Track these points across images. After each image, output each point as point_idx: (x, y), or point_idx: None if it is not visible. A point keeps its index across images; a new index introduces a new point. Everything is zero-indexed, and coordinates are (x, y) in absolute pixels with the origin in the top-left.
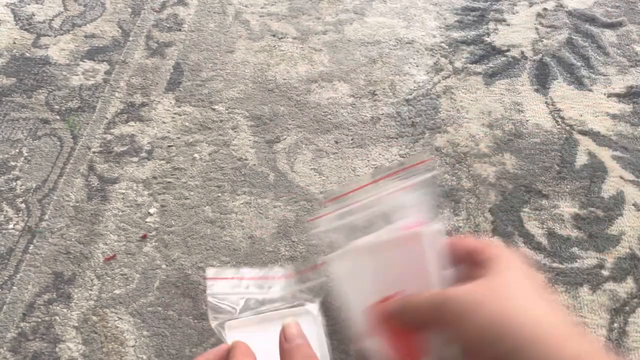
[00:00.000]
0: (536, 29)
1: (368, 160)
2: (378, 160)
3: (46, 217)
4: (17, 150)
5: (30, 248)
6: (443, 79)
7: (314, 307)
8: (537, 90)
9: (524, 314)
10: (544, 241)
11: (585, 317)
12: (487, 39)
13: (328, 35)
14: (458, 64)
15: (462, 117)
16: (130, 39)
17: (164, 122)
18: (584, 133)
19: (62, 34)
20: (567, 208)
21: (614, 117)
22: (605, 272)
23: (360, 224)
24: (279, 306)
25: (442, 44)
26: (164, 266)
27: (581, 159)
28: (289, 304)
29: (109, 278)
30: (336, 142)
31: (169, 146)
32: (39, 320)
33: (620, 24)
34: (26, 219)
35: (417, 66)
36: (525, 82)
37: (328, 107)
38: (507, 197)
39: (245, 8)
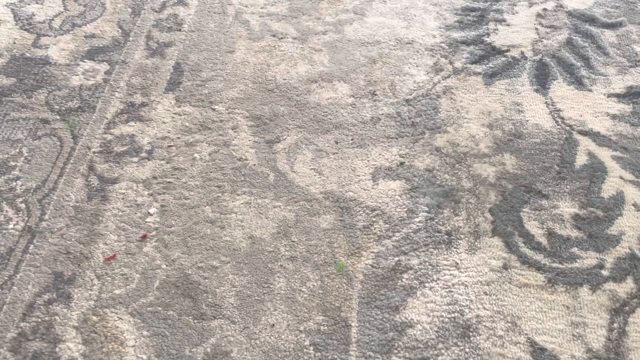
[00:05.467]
0: (536, 29)
1: (368, 160)
2: (378, 160)
3: (46, 217)
4: (17, 150)
5: (30, 248)
6: (443, 79)
7: None
8: (537, 91)
9: None
10: (544, 241)
11: (585, 317)
12: (487, 39)
13: (328, 36)
14: (458, 64)
15: (462, 117)
16: (130, 39)
17: (164, 122)
18: (584, 133)
19: (62, 34)
20: (567, 208)
21: (614, 117)
22: (605, 272)
23: None
24: None
25: (442, 44)
26: (164, 266)
27: (581, 159)
28: None
29: (109, 278)
30: (336, 142)
31: (169, 146)
32: (39, 320)
33: (620, 24)
34: (26, 219)
35: (417, 66)
36: (525, 82)
37: (328, 107)
38: (507, 197)
39: (245, 8)
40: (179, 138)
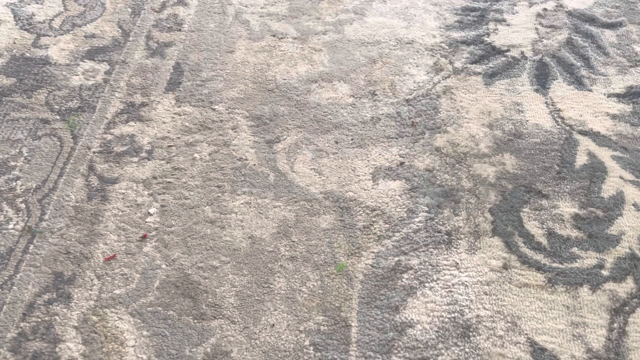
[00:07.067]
0: (536, 29)
1: (368, 160)
2: (378, 160)
3: (46, 217)
4: (17, 150)
5: (30, 248)
6: (443, 79)
7: None
8: (537, 90)
9: None
10: (544, 241)
11: (585, 317)
12: (487, 39)
13: (328, 35)
14: (458, 64)
15: (462, 117)
16: (130, 39)
17: (164, 122)
18: (584, 133)
19: (62, 34)
20: (567, 208)
21: (614, 117)
22: (605, 272)
23: None
24: None
25: (442, 44)
26: (164, 266)
27: (581, 159)
28: None
29: (109, 278)
30: (336, 142)
31: (169, 146)
32: (39, 320)
33: (620, 24)
34: (26, 219)
35: (417, 66)
36: (525, 82)
37: (328, 107)
38: (507, 197)
39: (245, 8)
40: (179, 138)
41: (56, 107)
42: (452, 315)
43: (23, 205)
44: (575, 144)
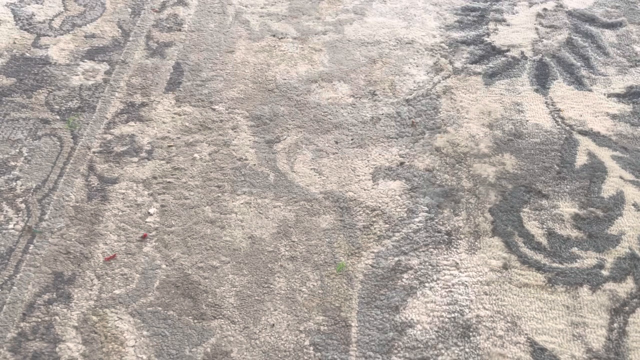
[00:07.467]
0: (536, 29)
1: (368, 160)
2: (378, 160)
3: (46, 217)
4: (17, 150)
5: (30, 248)
6: (443, 79)
7: None
8: (537, 90)
9: None
10: (544, 241)
11: (585, 317)
12: (487, 39)
13: (328, 35)
14: (458, 64)
15: (462, 117)
16: (130, 39)
17: (164, 122)
18: (584, 133)
19: (62, 34)
20: (567, 208)
21: (614, 117)
22: (605, 272)
23: None
24: None
25: (442, 44)
26: (164, 266)
27: (581, 159)
28: None
29: (109, 278)
30: (336, 142)
31: (169, 146)
32: (39, 320)
33: (620, 24)
34: (26, 219)
35: (417, 66)
36: (525, 82)
37: (328, 107)
38: (507, 197)
39: (245, 8)
40: (179, 138)
41: (56, 107)
42: (452, 315)
43: (23, 205)
44: (575, 144)
